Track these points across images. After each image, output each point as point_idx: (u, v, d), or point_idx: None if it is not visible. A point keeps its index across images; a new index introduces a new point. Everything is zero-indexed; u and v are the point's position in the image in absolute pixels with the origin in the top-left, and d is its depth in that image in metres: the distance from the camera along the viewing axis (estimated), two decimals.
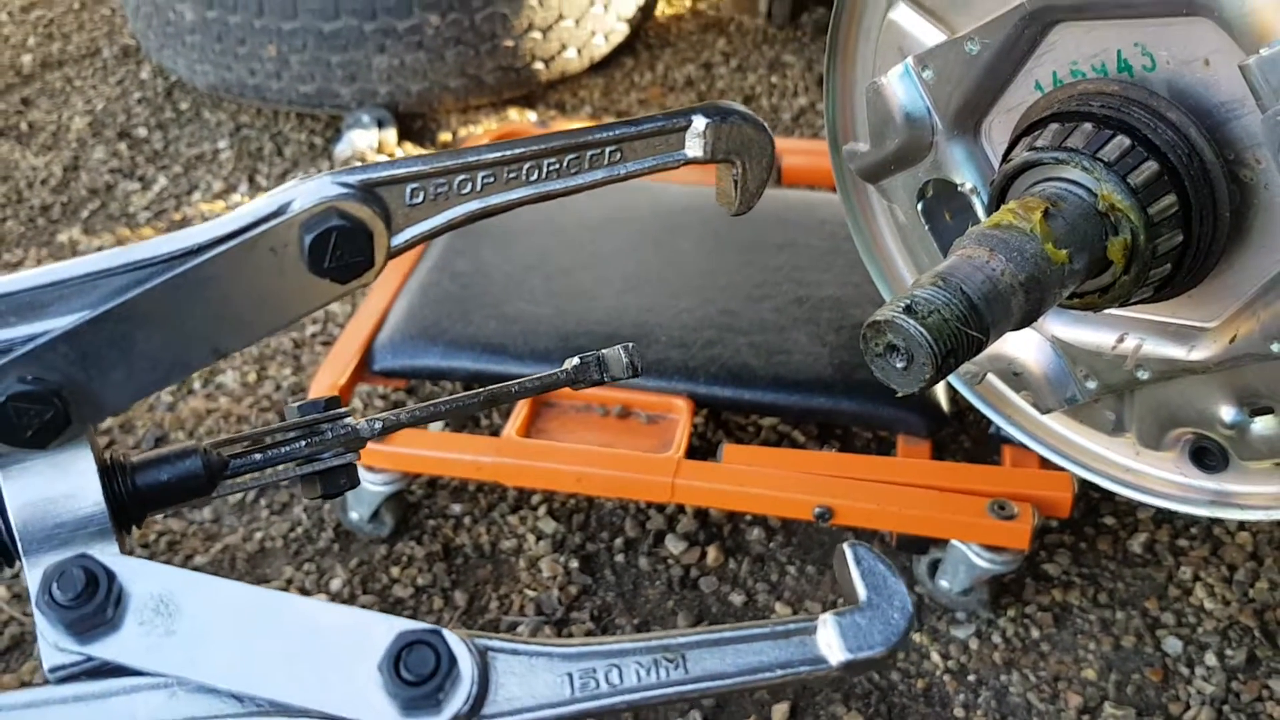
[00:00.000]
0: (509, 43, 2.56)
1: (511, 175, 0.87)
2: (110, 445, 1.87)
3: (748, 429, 1.81)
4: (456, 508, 1.72)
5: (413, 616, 1.57)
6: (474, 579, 1.63)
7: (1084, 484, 1.35)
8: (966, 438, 1.77)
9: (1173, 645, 1.50)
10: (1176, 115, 0.98)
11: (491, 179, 0.87)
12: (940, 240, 1.25)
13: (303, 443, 0.92)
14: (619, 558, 1.64)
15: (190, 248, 0.79)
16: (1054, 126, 1.02)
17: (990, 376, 1.33)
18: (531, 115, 2.69)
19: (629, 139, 0.90)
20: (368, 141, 2.49)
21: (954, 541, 1.48)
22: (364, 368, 1.71)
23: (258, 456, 0.91)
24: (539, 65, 2.65)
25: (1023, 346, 1.21)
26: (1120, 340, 1.13)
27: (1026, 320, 0.94)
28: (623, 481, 1.54)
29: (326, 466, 0.93)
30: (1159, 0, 0.95)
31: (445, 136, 2.62)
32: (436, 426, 1.77)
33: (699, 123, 0.91)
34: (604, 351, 1.00)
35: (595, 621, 1.56)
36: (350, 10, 2.41)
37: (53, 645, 0.74)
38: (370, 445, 0.96)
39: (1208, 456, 1.17)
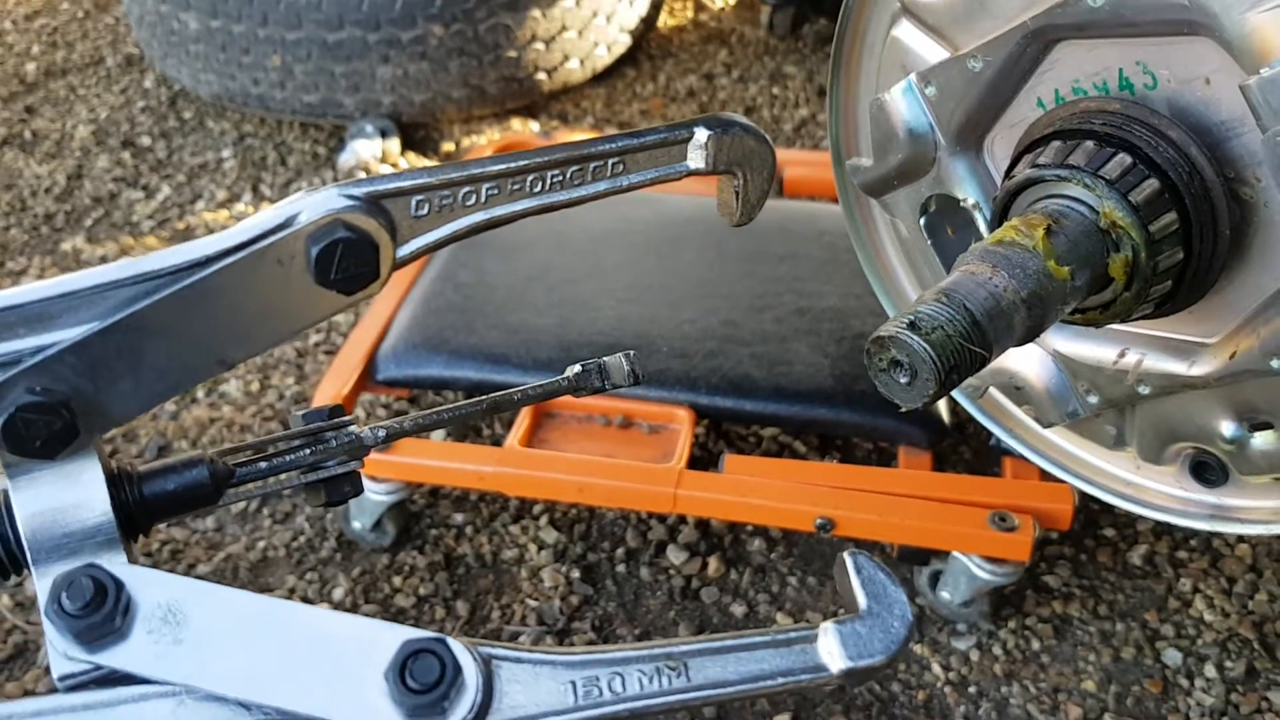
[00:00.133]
0: (512, 53, 2.57)
1: (515, 187, 0.88)
2: (114, 454, 1.88)
3: (749, 439, 1.81)
4: (458, 517, 1.73)
5: (415, 626, 1.57)
6: (476, 589, 1.63)
7: (1084, 496, 1.35)
8: (967, 449, 1.78)
9: (1172, 657, 1.51)
10: (1177, 133, 0.99)
11: (496, 191, 0.87)
12: (942, 254, 1.26)
13: (307, 451, 0.93)
14: (620, 568, 1.65)
15: (198, 259, 0.80)
16: (1056, 144, 1.02)
17: (992, 390, 1.33)
18: (534, 125, 2.70)
19: (632, 151, 0.90)
20: (371, 151, 2.50)
21: (955, 553, 1.49)
22: (367, 377, 1.72)
23: (263, 465, 0.92)
24: (542, 76, 2.66)
25: (1025, 361, 1.22)
26: (1121, 355, 1.14)
27: (1029, 336, 0.94)
28: (624, 492, 1.54)
29: (330, 474, 0.94)
30: (1161, 20, 0.96)
31: (448, 146, 2.63)
32: (439, 435, 1.78)
33: (701, 135, 0.92)
34: (605, 359, 1.01)
35: (597, 632, 1.57)
36: (354, 21, 2.42)
37: (62, 654, 0.75)
38: (373, 454, 0.97)
39: (1208, 471, 1.18)
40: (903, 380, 0.89)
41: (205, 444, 1.87)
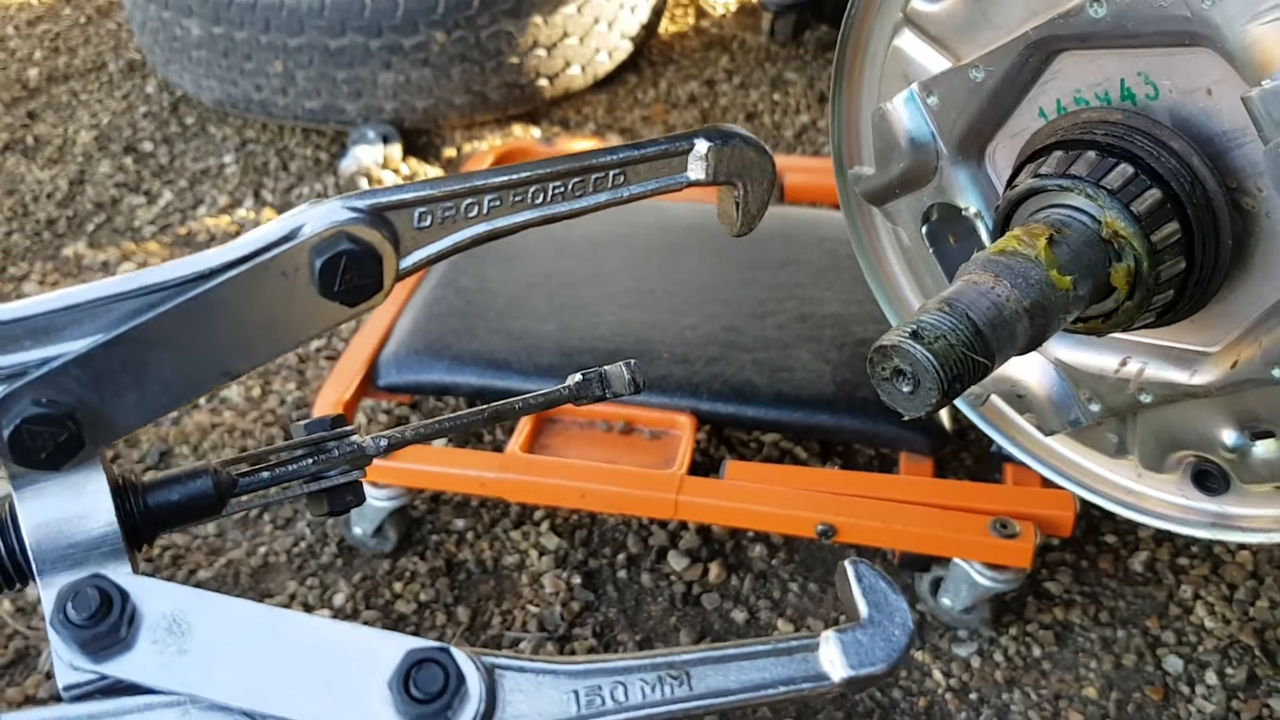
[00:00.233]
0: (514, 60, 2.58)
1: (517, 198, 0.88)
2: (115, 459, 1.88)
3: (750, 445, 1.82)
4: (459, 523, 1.73)
5: (415, 632, 1.58)
6: (477, 594, 1.63)
7: (1085, 503, 1.36)
8: (968, 455, 1.78)
9: (1173, 664, 1.51)
10: (1179, 144, 0.99)
11: (498, 202, 0.88)
12: (944, 263, 1.26)
13: (310, 461, 0.93)
14: (621, 574, 1.65)
15: (202, 272, 0.80)
16: (1058, 154, 1.03)
17: (994, 398, 1.34)
18: (535, 131, 2.70)
19: (633, 162, 0.91)
20: (373, 157, 2.51)
21: (956, 559, 1.49)
22: (369, 383, 1.72)
23: (266, 475, 0.92)
24: (543, 82, 2.67)
25: (1026, 369, 1.22)
26: (1123, 364, 1.14)
27: (1031, 345, 0.95)
28: (626, 498, 1.54)
29: (333, 484, 0.94)
30: (1162, 31, 0.96)
31: (450, 152, 2.63)
32: (440, 442, 1.78)
33: (701, 146, 0.93)
34: (606, 368, 1.01)
35: (598, 638, 1.57)
36: (356, 27, 2.43)
37: (67, 664, 0.75)
38: (375, 460, 0.97)
39: (1209, 479, 1.18)
40: (906, 389, 0.90)
41: (206, 449, 1.87)
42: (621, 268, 1.90)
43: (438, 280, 1.85)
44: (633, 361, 1.01)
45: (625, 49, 2.85)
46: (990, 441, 1.42)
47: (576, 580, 1.63)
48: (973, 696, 1.48)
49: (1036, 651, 1.53)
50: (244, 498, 0.91)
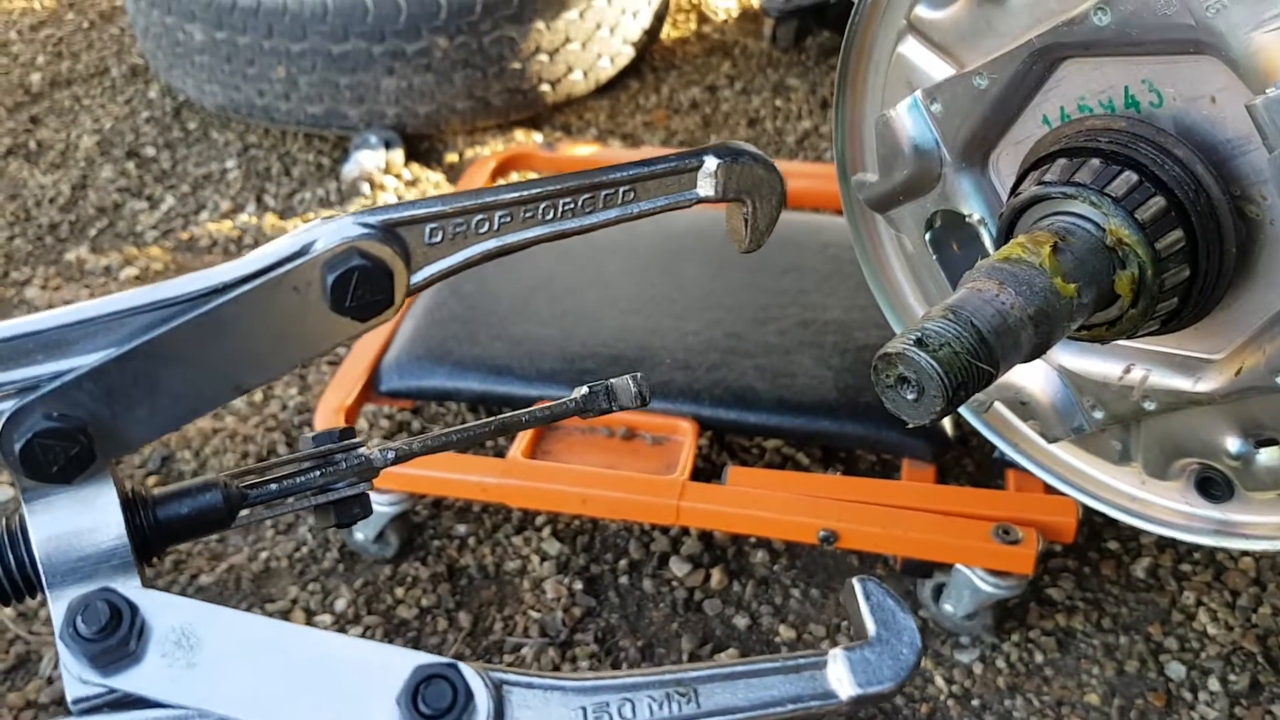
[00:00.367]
0: (516, 65, 2.58)
1: (528, 215, 0.89)
2: (116, 464, 1.88)
3: (752, 451, 1.82)
4: (461, 528, 1.73)
5: (417, 638, 1.58)
6: (478, 600, 1.64)
7: (1088, 509, 1.36)
8: (970, 462, 1.78)
9: (1176, 670, 1.51)
10: (1183, 151, 0.99)
11: (508, 218, 0.88)
12: (948, 270, 1.27)
13: (317, 473, 0.93)
14: (623, 580, 1.65)
15: (215, 286, 0.81)
16: (1062, 161, 1.03)
17: (998, 404, 1.34)
18: (537, 137, 2.70)
19: (643, 179, 0.91)
20: (375, 162, 2.51)
21: (958, 566, 1.49)
22: (371, 388, 1.72)
23: (274, 487, 0.92)
24: (545, 88, 2.67)
25: (1030, 376, 1.23)
26: (1127, 371, 1.15)
27: (1036, 353, 0.95)
28: (627, 503, 1.55)
29: (340, 496, 0.94)
30: (1166, 39, 0.96)
31: (452, 158, 2.63)
32: None
33: (710, 163, 0.93)
34: (612, 381, 1.01)
35: (599, 644, 1.57)
36: (359, 33, 2.43)
37: (76, 677, 0.75)
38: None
39: (1213, 487, 1.18)
40: (910, 397, 0.90)
41: (208, 454, 1.88)
42: (623, 273, 1.90)
43: (439, 286, 1.85)
44: (639, 374, 1.01)
45: (627, 54, 2.85)
46: (993, 447, 1.43)
47: (578, 586, 1.63)
48: (975, 703, 1.48)
49: (1039, 658, 1.53)
50: (252, 509, 0.92)
